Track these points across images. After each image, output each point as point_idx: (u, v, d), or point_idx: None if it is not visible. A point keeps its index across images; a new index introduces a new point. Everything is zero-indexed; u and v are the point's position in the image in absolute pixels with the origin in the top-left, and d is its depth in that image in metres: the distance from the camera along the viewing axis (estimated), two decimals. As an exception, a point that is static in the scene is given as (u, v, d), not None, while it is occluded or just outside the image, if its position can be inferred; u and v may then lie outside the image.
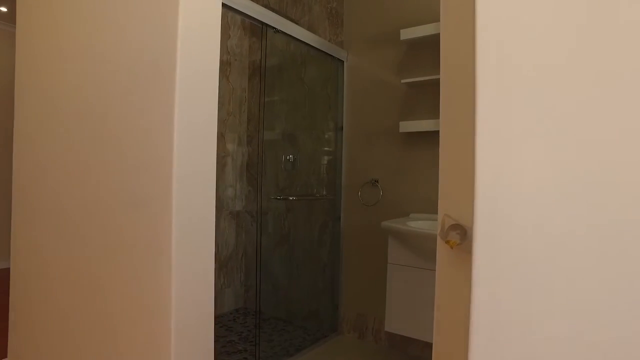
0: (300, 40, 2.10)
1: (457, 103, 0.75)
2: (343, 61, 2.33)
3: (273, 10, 1.99)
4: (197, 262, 1.05)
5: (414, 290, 1.73)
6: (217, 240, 2.65)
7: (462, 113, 0.70)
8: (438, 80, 1.93)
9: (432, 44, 1.96)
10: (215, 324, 2.60)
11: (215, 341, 2.27)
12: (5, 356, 1.69)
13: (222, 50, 2.67)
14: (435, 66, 1.97)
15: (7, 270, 3.29)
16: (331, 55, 2.29)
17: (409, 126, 2.00)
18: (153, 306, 1.02)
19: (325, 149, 2.41)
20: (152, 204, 1.03)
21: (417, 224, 1.82)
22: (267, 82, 2.69)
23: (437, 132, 2.00)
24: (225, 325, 2.48)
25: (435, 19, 1.91)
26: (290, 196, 2.33)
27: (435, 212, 1.98)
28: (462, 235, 0.66)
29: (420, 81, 1.97)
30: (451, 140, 0.72)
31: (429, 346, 1.70)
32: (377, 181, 2.17)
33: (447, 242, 0.67)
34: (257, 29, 2.03)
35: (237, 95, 2.77)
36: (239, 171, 2.76)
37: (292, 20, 2.26)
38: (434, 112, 1.96)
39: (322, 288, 2.40)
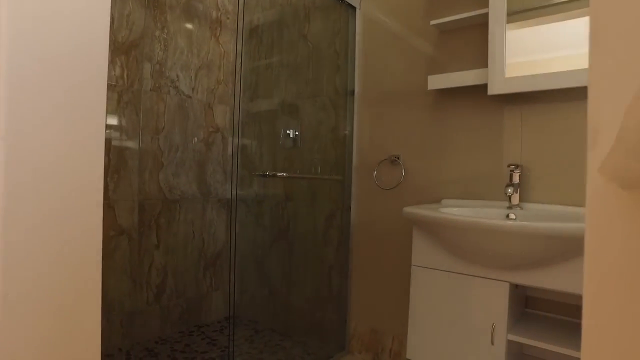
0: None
1: None
2: (355, 8, 1.83)
3: None
4: (70, 292, 0.58)
5: (448, 304, 1.21)
6: (203, 235, 2.19)
7: None
8: (483, 16, 1.40)
9: (474, -33, 1.43)
10: (197, 335, 2.16)
11: (193, 359, 1.81)
12: None
13: (211, 6, 2.21)
14: (479, -2, 1.45)
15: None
16: (340, 0, 1.79)
17: (441, 81, 1.48)
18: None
19: (332, 119, 1.91)
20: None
21: (454, 212, 1.30)
22: (263, 41, 2.22)
23: (483, 86, 1.47)
24: (209, 338, 2.02)
25: None
26: (282, 172, 1.84)
27: (481, 197, 1.44)
28: None
29: (458, 20, 1.45)
30: None
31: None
32: (398, 158, 1.66)
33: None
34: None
35: (230, 60, 2.30)
36: (231, 151, 2.30)
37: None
38: (478, 60, 1.43)
39: (327, 295, 1.90)
